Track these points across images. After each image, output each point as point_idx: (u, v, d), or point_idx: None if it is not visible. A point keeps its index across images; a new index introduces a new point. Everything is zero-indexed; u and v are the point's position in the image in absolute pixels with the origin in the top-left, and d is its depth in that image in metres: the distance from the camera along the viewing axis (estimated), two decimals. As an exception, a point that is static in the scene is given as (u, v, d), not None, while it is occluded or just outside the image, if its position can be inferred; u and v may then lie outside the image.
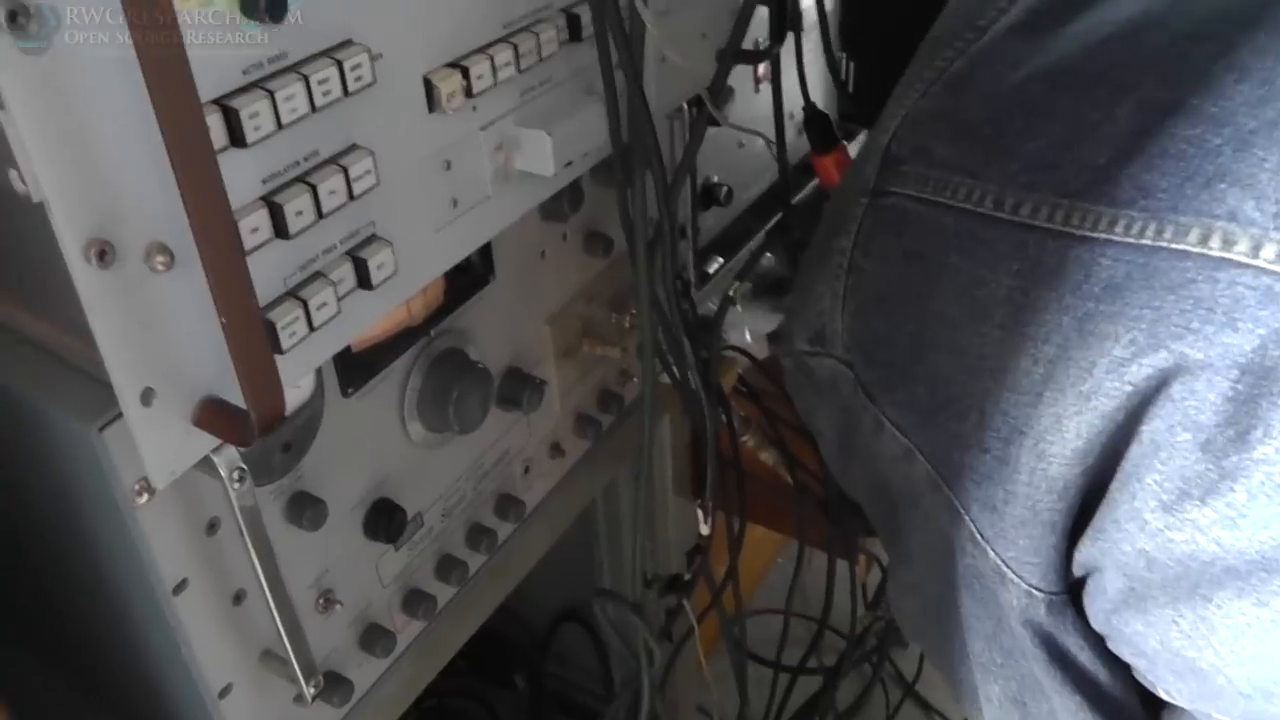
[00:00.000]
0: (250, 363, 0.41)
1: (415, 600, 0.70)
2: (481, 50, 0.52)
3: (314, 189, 0.45)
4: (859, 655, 1.35)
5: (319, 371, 0.57)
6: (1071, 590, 0.46)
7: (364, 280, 0.49)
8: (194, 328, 0.43)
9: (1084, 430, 0.41)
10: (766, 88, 1.01)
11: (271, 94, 0.42)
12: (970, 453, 0.46)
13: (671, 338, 0.74)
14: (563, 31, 0.57)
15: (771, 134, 0.86)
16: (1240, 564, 0.39)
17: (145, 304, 0.41)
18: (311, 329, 0.47)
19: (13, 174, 0.38)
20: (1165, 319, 0.38)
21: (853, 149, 0.90)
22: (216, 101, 0.41)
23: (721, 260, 1.05)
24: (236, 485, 0.49)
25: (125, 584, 0.53)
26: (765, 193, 1.11)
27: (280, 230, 0.45)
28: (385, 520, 0.64)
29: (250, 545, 0.51)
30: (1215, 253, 0.37)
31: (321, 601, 0.62)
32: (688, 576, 0.87)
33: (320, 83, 0.44)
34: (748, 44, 0.83)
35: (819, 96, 0.88)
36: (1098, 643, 0.47)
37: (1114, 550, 0.42)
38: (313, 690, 0.58)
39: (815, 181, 0.93)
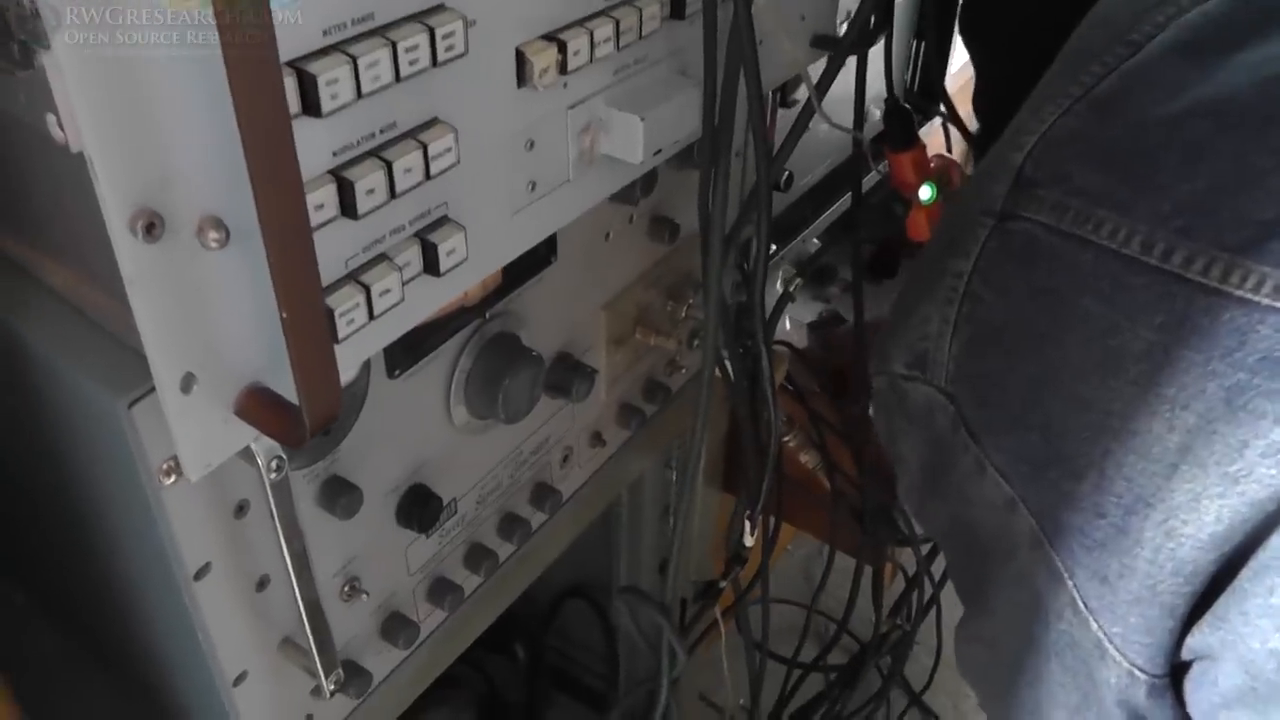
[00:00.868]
0: (309, 359, 0.36)
1: (441, 590, 0.66)
2: (580, 23, 0.47)
3: (389, 165, 0.41)
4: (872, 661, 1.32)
5: (367, 350, 0.53)
6: (1174, 673, 0.43)
7: (431, 265, 0.45)
8: (244, 310, 0.39)
9: (1226, 515, 0.38)
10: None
11: (354, 60, 0.38)
12: (1084, 515, 0.42)
13: (729, 331, 0.70)
14: (665, 6, 0.52)
15: (841, 119, 0.82)
16: None
17: (193, 283, 0.37)
18: (371, 317, 0.43)
19: (50, 119, 0.33)
20: None
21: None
22: (292, 64, 0.37)
23: (775, 246, 1.01)
24: (273, 475, 0.45)
25: (145, 564, 0.49)
26: (825, 179, 1.07)
27: (348, 208, 0.40)
28: (420, 508, 0.60)
29: (281, 535, 0.48)
30: None
31: (347, 589, 0.59)
32: (723, 585, 0.83)
33: (408, 50, 0.39)
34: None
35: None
36: None
37: (1239, 643, 0.39)
38: (333, 685, 0.55)
39: (876, 175, 0.88)
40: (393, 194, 0.41)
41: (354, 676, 0.59)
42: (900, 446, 0.55)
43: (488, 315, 0.60)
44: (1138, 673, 0.43)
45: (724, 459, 1.02)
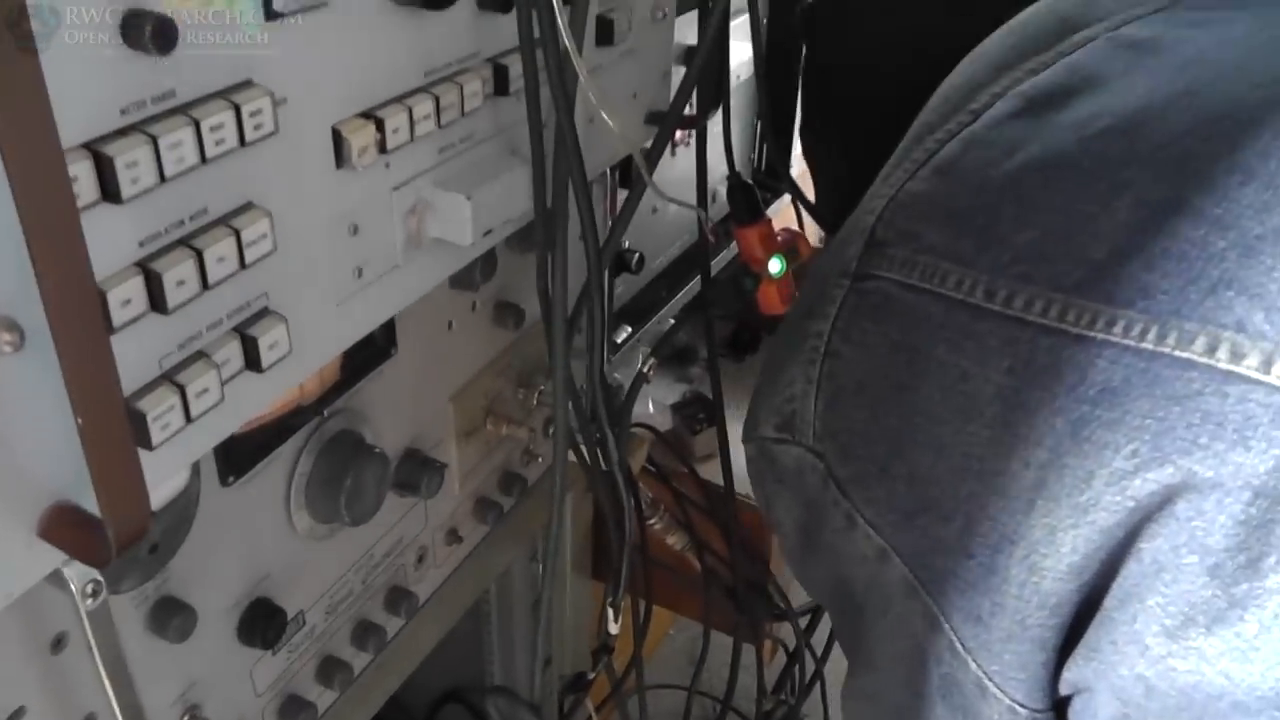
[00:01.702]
0: (109, 468, 0.33)
1: (293, 709, 0.62)
2: (399, 100, 0.46)
3: (199, 254, 0.38)
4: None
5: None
6: (1057, 708, 0.44)
7: (253, 361, 0.42)
8: (45, 420, 0.35)
9: (1080, 545, 0.39)
10: (682, 151, 0.97)
11: (155, 140, 0.35)
12: (954, 559, 0.43)
13: (582, 416, 0.68)
14: (489, 84, 0.51)
15: (686, 199, 0.82)
16: (1250, 700, 0.37)
17: (-16, 393, 0.33)
18: (189, 420, 0.39)
19: None
20: (1170, 431, 0.36)
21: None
22: (88, 145, 0.34)
23: (630, 329, 1.00)
24: (89, 601, 0.41)
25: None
26: (677, 260, 1.07)
27: (157, 303, 0.37)
28: (263, 623, 0.56)
29: (102, 668, 0.43)
30: (1223, 365, 0.35)
31: (187, 719, 0.54)
32: (592, 675, 0.80)
33: (213, 129, 0.37)
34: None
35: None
36: None
37: (1110, 673, 0.40)
38: (172, 828, 0.50)
39: (733, 253, 0.89)
40: (205, 285, 0.39)
41: (203, 811, 0.55)
42: (776, 511, 0.55)
43: (325, 413, 0.57)
44: (1018, 708, 0.43)
45: (592, 548, 0.99)
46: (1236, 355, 0.35)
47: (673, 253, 1.06)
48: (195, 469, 0.49)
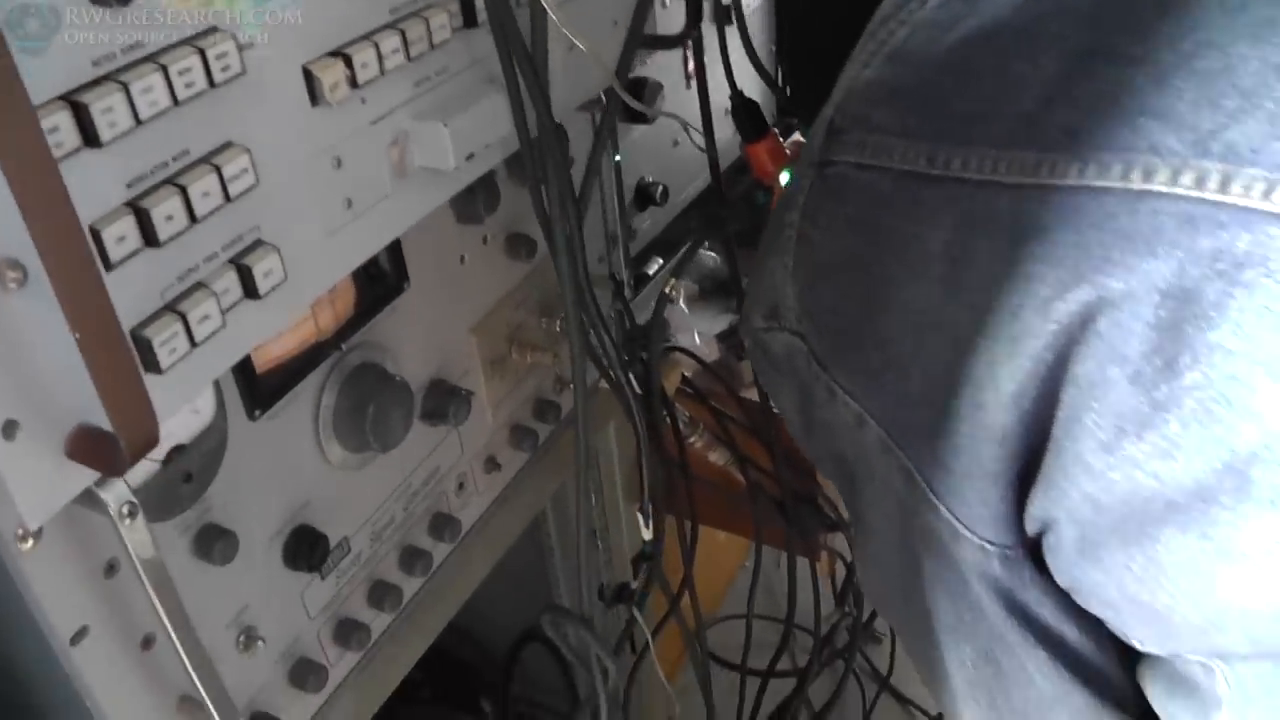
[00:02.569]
0: (112, 381, 0.37)
1: (347, 630, 0.66)
2: (365, 37, 0.49)
3: (184, 190, 0.41)
4: (829, 654, 1.32)
5: (219, 393, 0.53)
6: (1035, 548, 0.46)
7: (250, 289, 0.45)
8: (58, 349, 0.39)
9: (1016, 374, 0.41)
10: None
11: (126, 86, 0.39)
12: (916, 410, 0.45)
13: (606, 340, 0.71)
14: (456, 17, 0.54)
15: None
16: (1180, 497, 0.38)
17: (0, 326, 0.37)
18: (194, 344, 0.43)
19: None
20: (1087, 254, 0.38)
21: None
22: (64, 97, 0.38)
23: (661, 261, 1.02)
24: (127, 521, 0.45)
25: (17, 635, 0.49)
26: (704, 191, 1.08)
27: (150, 238, 0.41)
28: (307, 549, 0.60)
29: (149, 587, 0.47)
30: (1136, 185, 0.37)
31: (243, 639, 0.58)
32: (634, 585, 0.83)
33: (181, 73, 0.40)
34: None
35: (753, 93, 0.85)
36: (1061, 598, 0.46)
37: (1063, 499, 0.42)
38: (235, 736, 0.54)
39: (752, 175, 0.90)
40: (193, 219, 0.42)
41: (267, 726, 0.59)
42: (779, 399, 0.58)
43: (344, 348, 0.61)
44: (988, 545, 0.45)
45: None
46: (1148, 174, 0.37)
47: (698, 185, 1.08)
48: (220, 403, 0.53)
